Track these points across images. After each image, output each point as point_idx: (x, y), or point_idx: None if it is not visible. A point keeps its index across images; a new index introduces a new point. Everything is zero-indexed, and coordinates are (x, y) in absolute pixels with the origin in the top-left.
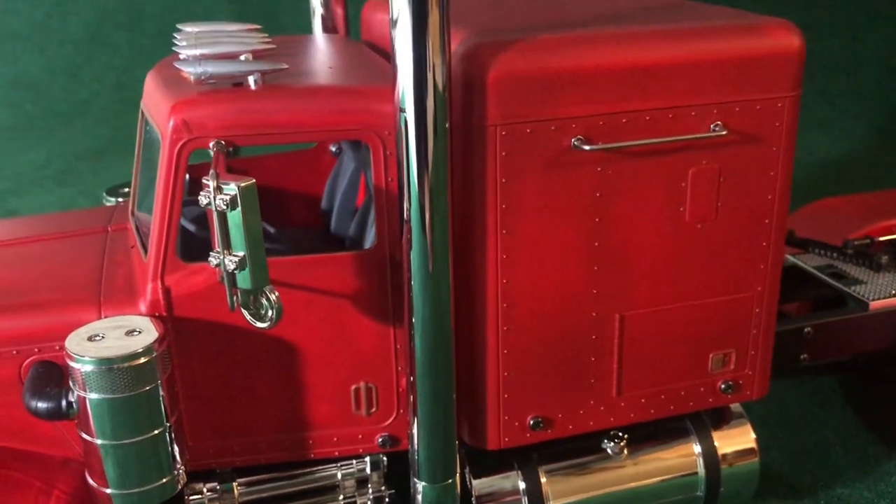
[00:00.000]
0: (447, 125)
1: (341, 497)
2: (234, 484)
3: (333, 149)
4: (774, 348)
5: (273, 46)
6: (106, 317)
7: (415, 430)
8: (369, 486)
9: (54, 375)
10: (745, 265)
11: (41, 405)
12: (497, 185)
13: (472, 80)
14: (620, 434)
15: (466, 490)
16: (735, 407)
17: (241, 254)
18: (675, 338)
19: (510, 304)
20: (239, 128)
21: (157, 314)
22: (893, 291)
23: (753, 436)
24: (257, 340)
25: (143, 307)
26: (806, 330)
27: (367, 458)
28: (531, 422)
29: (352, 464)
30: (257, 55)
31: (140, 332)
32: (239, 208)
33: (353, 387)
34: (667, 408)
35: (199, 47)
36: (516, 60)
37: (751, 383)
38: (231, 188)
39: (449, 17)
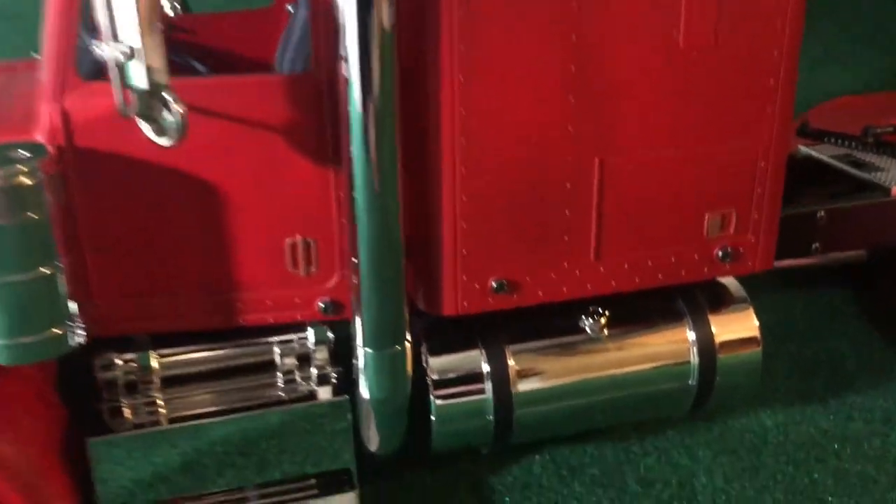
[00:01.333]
0: None
1: (279, 375)
2: (153, 355)
3: (290, 8)
4: (782, 235)
5: None
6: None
7: (357, 287)
8: (312, 363)
9: None
10: (749, 106)
11: None
12: None
13: None
14: (601, 310)
15: (423, 370)
16: (736, 289)
17: (131, 43)
18: (666, 192)
19: (469, 141)
20: None
21: (55, 143)
22: None
23: (756, 322)
24: (175, 179)
25: (39, 135)
26: (819, 215)
27: (311, 331)
28: (494, 284)
29: (292, 337)
30: None
31: (26, 153)
32: None
33: (288, 241)
34: (654, 276)
35: None
36: None
37: (753, 252)
38: None
39: None
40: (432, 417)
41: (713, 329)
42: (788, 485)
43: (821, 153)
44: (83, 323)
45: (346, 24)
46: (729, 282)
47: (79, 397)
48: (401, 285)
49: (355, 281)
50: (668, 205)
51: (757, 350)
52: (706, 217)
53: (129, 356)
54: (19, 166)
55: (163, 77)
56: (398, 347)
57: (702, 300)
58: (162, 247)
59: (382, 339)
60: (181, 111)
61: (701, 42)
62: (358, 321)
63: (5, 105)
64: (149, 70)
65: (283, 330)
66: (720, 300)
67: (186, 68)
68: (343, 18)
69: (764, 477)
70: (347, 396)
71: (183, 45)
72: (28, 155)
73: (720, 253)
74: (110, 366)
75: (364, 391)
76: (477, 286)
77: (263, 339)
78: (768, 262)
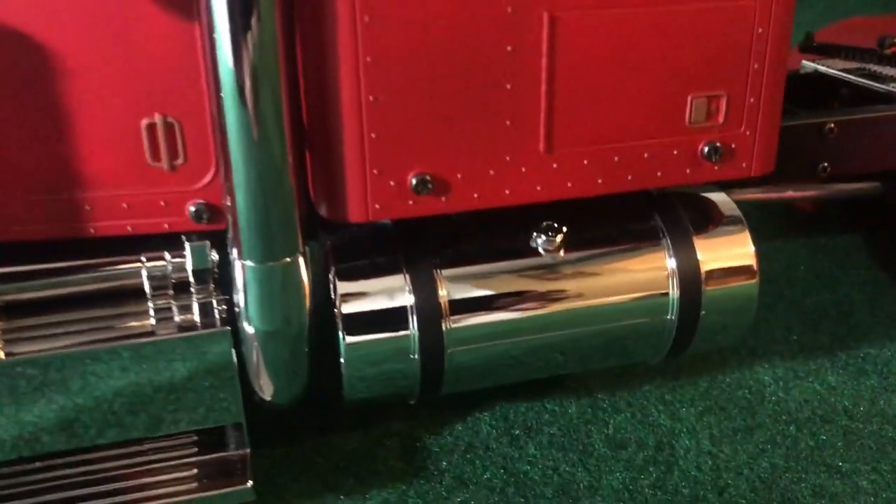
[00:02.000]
0: None
1: (150, 305)
2: None
3: None
4: (784, 153)
5: None
6: None
7: (230, 179)
8: (191, 289)
9: None
10: None
11: None
12: None
13: None
14: (556, 225)
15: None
16: (728, 207)
17: None
18: (636, 64)
19: None
20: None
21: None
22: None
23: (752, 248)
24: (7, 46)
25: None
26: (828, 126)
27: (189, 246)
28: (414, 181)
29: (163, 255)
30: None
31: None
32: None
33: (145, 121)
34: (623, 178)
35: None
36: None
37: (748, 150)
38: None
39: None
40: (341, 359)
41: (698, 254)
42: (790, 449)
43: (830, 67)
44: None
45: None
46: (719, 197)
47: None
48: (286, 176)
49: (225, 171)
50: (639, 81)
51: (752, 282)
52: (689, 100)
53: None
54: None
55: None
56: (288, 259)
57: (685, 217)
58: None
59: (267, 247)
60: None
61: None
62: (233, 225)
63: None
64: None
65: (155, 246)
66: (708, 218)
67: None
68: None
69: (760, 439)
70: (229, 328)
71: None
72: None
73: (706, 149)
74: None
75: (246, 321)
76: (392, 183)
77: (129, 258)
78: (769, 163)
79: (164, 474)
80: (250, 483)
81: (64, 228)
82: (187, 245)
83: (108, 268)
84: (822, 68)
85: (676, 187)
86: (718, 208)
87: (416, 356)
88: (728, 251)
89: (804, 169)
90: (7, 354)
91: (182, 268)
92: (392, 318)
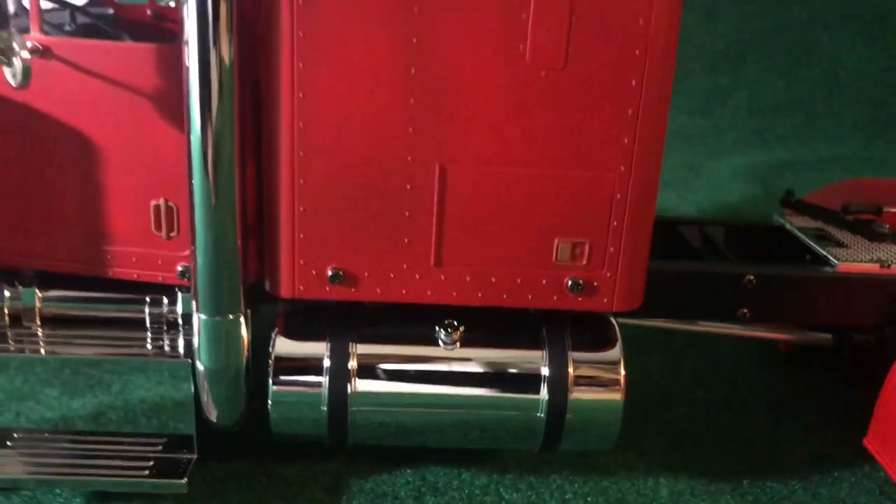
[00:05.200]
0: None
1: (149, 335)
2: (36, 293)
3: None
4: (708, 294)
5: None
6: None
7: (194, 255)
8: (180, 328)
9: None
10: (601, 134)
11: None
12: None
13: None
14: (455, 323)
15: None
16: (611, 329)
17: None
18: (511, 209)
19: (307, 124)
20: None
21: None
22: (875, 258)
23: (622, 368)
24: (55, 129)
25: None
26: (748, 278)
27: (180, 297)
28: (330, 273)
29: (162, 299)
30: None
31: None
32: None
33: (153, 202)
34: (498, 295)
35: None
36: None
37: (609, 288)
38: None
39: None
40: (269, 401)
41: (570, 365)
42: None
43: (793, 223)
44: None
45: (186, 6)
46: (605, 319)
47: None
48: (234, 253)
49: (193, 246)
50: (513, 223)
51: (617, 396)
52: (556, 243)
53: (15, 290)
54: None
55: (5, 25)
56: (231, 317)
57: (567, 332)
58: (42, 187)
59: (215, 305)
60: (26, 58)
61: (549, 61)
62: (193, 286)
63: None
64: None
65: (160, 291)
66: (589, 336)
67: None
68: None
69: None
70: (189, 360)
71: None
72: None
73: (570, 283)
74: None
75: (198, 359)
76: (314, 272)
77: (137, 296)
78: (632, 302)
79: (126, 461)
80: (185, 480)
81: (90, 268)
82: (179, 293)
83: (122, 302)
84: (786, 225)
85: None
86: (601, 328)
87: (325, 408)
88: (598, 366)
89: (725, 309)
90: (47, 352)
91: (173, 311)
92: (310, 375)
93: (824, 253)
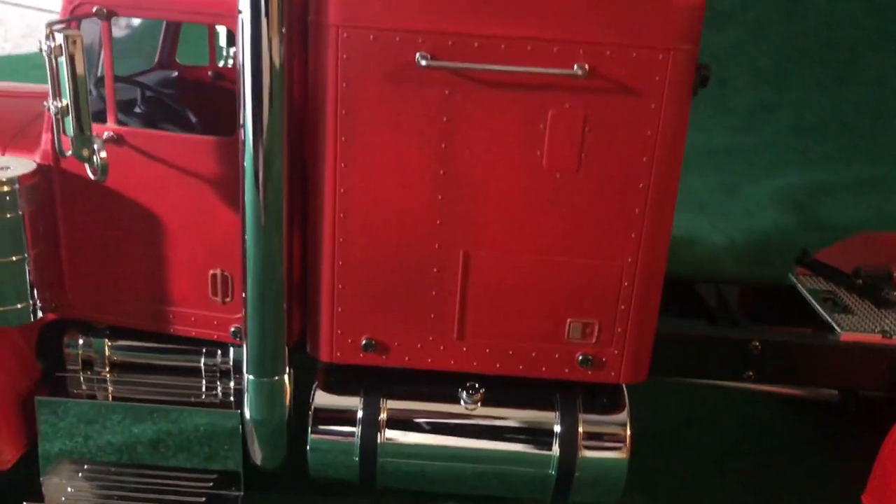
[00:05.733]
0: (283, 21)
1: (204, 382)
2: (106, 340)
3: None
4: (717, 357)
5: None
6: (5, 155)
7: (246, 324)
8: (232, 380)
9: None
10: (610, 230)
11: None
12: (337, 89)
13: None
14: (477, 386)
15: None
16: (620, 394)
17: (65, 101)
18: (527, 292)
19: (346, 215)
20: None
21: (47, 163)
22: (878, 329)
23: (628, 430)
24: (129, 206)
25: (37, 155)
26: (753, 344)
27: (231, 352)
28: (364, 342)
29: (217, 352)
30: None
31: (13, 169)
32: (63, 56)
33: (211, 272)
34: (514, 366)
35: None
36: None
37: (616, 363)
38: (59, 36)
39: None
40: (308, 447)
41: (580, 426)
42: None
43: (805, 285)
44: (56, 305)
45: (245, 103)
46: (618, 385)
47: (52, 364)
48: (280, 323)
49: (243, 313)
50: (529, 303)
51: (622, 456)
52: (568, 322)
53: (88, 339)
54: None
55: (86, 129)
56: (276, 378)
57: (579, 397)
58: (118, 255)
59: (262, 368)
60: (102, 161)
61: (564, 165)
62: (244, 349)
63: (20, 122)
64: (77, 123)
65: (215, 346)
66: (598, 400)
67: (177, 117)
68: (242, 92)
69: None
70: (239, 411)
71: (192, 96)
72: (11, 168)
73: (580, 358)
74: (75, 343)
75: (246, 410)
76: (350, 341)
77: (195, 349)
78: (637, 374)
79: (182, 496)
80: None
81: (154, 324)
82: (232, 348)
83: (181, 352)
84: (798, 286)
85: None
86: (611, 393)
87: (357, 458)
88: (607, 427)
89: (731, 371)
90: (114, 397)
91: (226, 361)
92: (345, 426)
93: (830, 320)
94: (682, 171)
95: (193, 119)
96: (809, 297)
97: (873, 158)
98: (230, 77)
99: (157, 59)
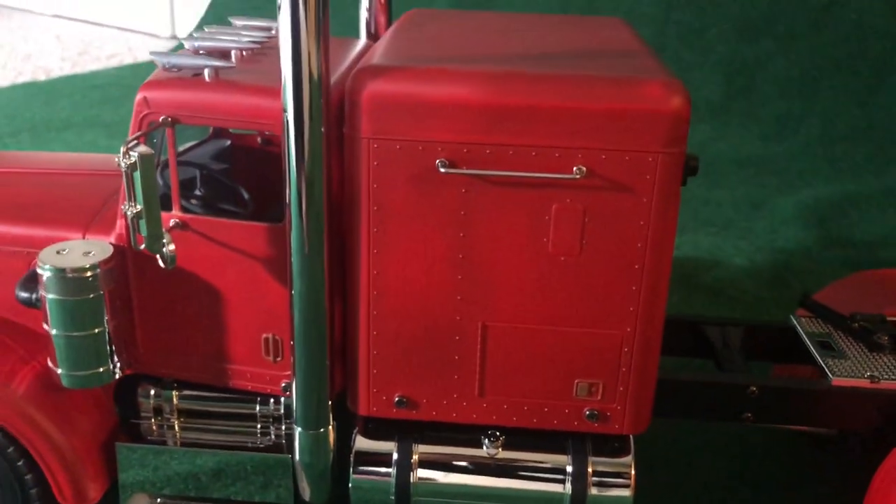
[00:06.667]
0: (322, 129)
1: (258, 426)
2: (174, 392)
3: None
4: (716, 402)
5: (256, 46)
6: (86, 239)
7: (293, 383)
8: (283, 424)
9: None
10: (611, 304)
11: (21, 295)
12: (369, 189)
13: (353, 97)
14: (498, 434)
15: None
16: (627, 443)
17: (140, 207)
18: (539, 356)
19: (379, 293)
20: (182, 108)
21: (121, 244)
22: (868, 374)
23: (633, 471)
24: (193, 280)
25: (112, 237)
26: (751, 389)
27: (283, 400)
28: (397, 399)
29: (269, 400)
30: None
31: (94, 254)
32: (138, 171)
33: (264, 336)
34: (529, 419)
35: (200, 40)
36: (391, 85)
37: (620, 417)
38: (135, 154)
39: (323, 43)
40: (350, 486)
41: (590, 467)
42: None
43: (804, 327)
44: (131, 363)
45: (290, 200)
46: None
47: (129, 412)
48: (325, 386)
49: (292, 372)
50: (541, 366)
51: (627, 494)
52: (575, 383)
53: (159, 390)
54: (84, 265)
55: (156, 232)
56: (322, 430)
57: (588, 441)
58: (183, 321)
59: (309, 421)
60: (170, 255)
61: (568, 250)
62: (294, 402)
63: (94, 207)
64: (149, 224)
65: (269, 395)
66: (606, 445)
67: (233, 194)
68: (286, 195)
69: None
70: (290, 455)
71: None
72: (93, 254)
73: (588, 412)
74: (147, 394)
75: (296, 455)
76: (384, 398)
77: (251, 397)
78: (639, 426)
79: None
80: None
81: (215, 379)
82: (283, 399)
83: (239, 401)
84: (798, 327)
85: None
86: (618, 438)
87: (392, 496)
88: (613, 468)
89: (729, 413)
90: (182, 439)
91: (279, 410)
92: (382, 468)
93: (823, 365)
94: (710, 186)
95: (246, 196)
96: (807, 341)
97: None
98: (276, 142)
99: (211, 129)
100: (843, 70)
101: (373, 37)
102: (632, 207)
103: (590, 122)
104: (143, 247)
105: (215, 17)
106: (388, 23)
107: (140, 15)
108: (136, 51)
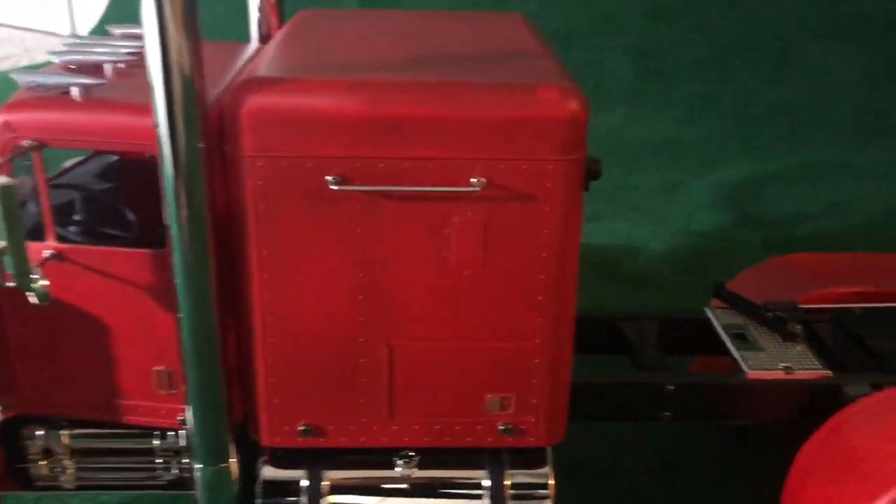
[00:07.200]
0: (200, 145)
1: (159, 461)
2: (62, 432)
3: None
4: (634, 402)
5: (134, 59)
6: None
7: (189, 415)
8: (183, 458)
9: None
10: (518, 316)
11: None
12: (257, 210)
13: (232, 113)
14: (411, 454)
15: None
16: (545, 454)
17: (3, 243)
18: (448, 374)
19: (275, 318)
20: (49, 131)
21: None
22: (782, 365)
23: (551, 479)
24: (75, 313)
25: None
26: (668, 387)
27: (182, 434)
28: (301, 428)
29: (167, 435)
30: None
31: None
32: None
33: (156, 368)
34: (442, 438)
35: (70, 54)
36: (272, 98)
37: (534, 430)
38: None
39: (195, 47)
40: None
41: (507, 480)
42: None
43: (720, 319)
44: (12, 404)
45: (169, 222)
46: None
47: (12, 459)
48: (222, 417)
49: (186, 405)
50: (450, 384)
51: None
52: (486, 398)
53: (47, 430)
54: None
55: (23, 269)
56: (223, 465)
57: (504, 454)
58: (67, 356)
59: (209, 456)
60: (42, 290)
61: (470, 264)
62: (190, 439)
63: None
64: (14, 261)
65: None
66: (522, 457)
67: (117, 218)
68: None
69: None
70: (193, 492)
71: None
72: None
73: (501, 427)
74: (33, 436)
75: (198, 495)
76: (286, 428)
77: (149, 433)
78: (553, 438)
79: None
80: None
81: (107, 416)
82: (181, 432)
83: (137, 438)
84: (713, 319)
85: None
86: (535, 450)
87: None
88: (530, 479)
89: (648, 413)
90: (76, 482)
91: (178, 444)
92: (290, 496)
93: (738, 358)
94: (626, 171)
95: (132, 218)
96: (722, 333)
97: (815, 144)
98: None
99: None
100: (755, 49)
101: (264, 39)
102: (534, 217)
103: (485, 131)
104: (10, 284)
105: (119, 12)
106: (280, 23)
107: (37, 12)
108: (34, 52)
